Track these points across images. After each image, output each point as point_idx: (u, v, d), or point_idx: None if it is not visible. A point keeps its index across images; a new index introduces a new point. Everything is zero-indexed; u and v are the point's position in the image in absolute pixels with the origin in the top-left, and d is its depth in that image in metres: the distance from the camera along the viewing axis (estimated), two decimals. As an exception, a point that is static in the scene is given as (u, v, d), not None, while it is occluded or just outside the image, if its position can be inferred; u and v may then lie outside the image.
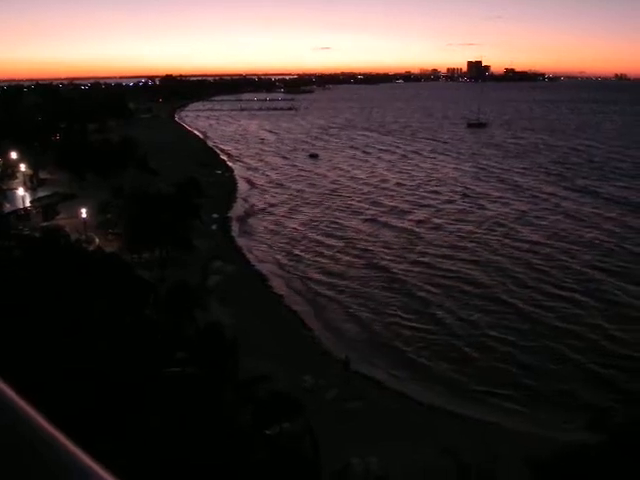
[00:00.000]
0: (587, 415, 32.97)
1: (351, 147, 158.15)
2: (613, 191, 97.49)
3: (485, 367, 42.01)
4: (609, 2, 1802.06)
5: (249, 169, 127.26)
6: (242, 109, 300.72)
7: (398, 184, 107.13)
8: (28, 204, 78.42)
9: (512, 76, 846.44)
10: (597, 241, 69.69)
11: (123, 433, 20.19)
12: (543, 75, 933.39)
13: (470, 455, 26.65)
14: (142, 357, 27.16)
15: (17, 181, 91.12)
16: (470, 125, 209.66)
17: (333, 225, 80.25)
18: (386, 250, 67.67)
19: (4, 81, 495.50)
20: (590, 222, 78.64)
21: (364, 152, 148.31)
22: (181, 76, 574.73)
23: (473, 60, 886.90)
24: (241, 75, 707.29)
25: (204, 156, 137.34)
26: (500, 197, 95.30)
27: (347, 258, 65.83)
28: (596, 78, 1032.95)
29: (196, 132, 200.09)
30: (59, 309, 27.55)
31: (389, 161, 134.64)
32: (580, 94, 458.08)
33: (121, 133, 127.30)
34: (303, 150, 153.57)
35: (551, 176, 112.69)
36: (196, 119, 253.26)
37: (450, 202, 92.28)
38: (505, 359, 43.20)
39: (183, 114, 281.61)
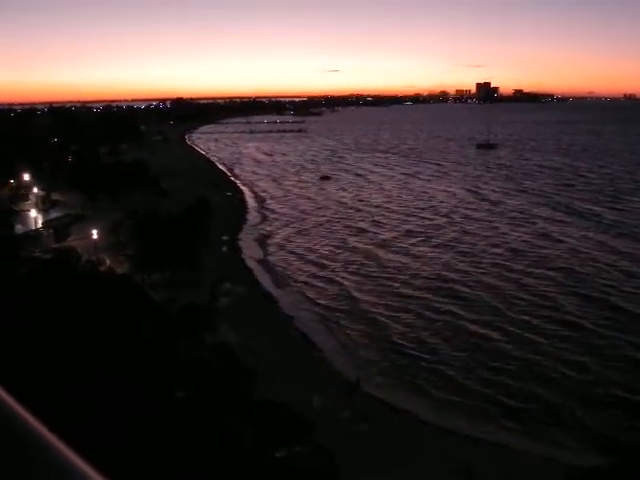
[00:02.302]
0: (599, 437, 32.66)
1: (359, 169, 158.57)
2: (611, 215, 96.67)
3: (496, 390, 41.61)
4: (617, 23, 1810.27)
5: (260, 191, 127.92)
6: (252, 132, 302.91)
7: (407, 206, 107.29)
8: (40, 225, 78.99)
9: (521, 97, 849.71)
10: (607, 270, 68.55)
11: (131, 452, 20.14)
12: (552, 96, 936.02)
13: (484, 478, 26.48)
14: (152, 380, 27.13)
15: (29, 203, 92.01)
16: (480, 146, 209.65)
17: (344, 247, 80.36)
18: (397, 273, 67.46)
19: (18, 104, 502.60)
20: (580, 244, 78.48)
21: (371, 174, 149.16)
22: (192, 99, 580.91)
23: (482, 81, 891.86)
24: (251, 98, 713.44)
25: (214, 178, 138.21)
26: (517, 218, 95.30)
27: (357, 279, 65.73)
28: (605, 98, 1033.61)
29: (206, 154, 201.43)
30: (70, 331, 27.63)
31: (396, 183, 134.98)
32: (589, 115, 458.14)
33: (132, 155, 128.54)
34: (314, 172, 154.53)
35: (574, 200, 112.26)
36: (206, 141, 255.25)
37: (468, 221, 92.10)
38: (515, 382, 42.81)
39: (194, 136, 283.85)
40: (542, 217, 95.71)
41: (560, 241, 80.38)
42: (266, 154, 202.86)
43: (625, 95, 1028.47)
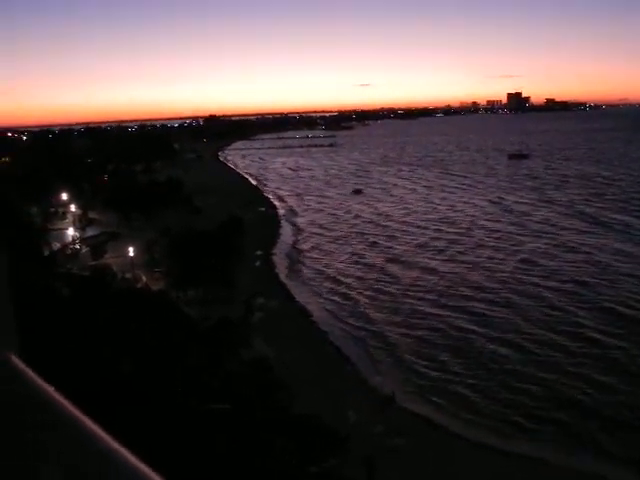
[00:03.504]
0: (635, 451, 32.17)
1: (390, 182, 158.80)
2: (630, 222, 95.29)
3: (530, 404, 41.19)
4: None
5: (292, 206, 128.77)
6: (284, 147, 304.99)
7: (437, 221, 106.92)
8: (77, 243, 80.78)
9: (553, 106, 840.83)
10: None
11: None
12: (584, 104, 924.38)
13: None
14: (188, 393, 27.57)
15: (67, 221, 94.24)
16: (511, 157, 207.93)
17: (382, 256, 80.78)
18: (424, 291, 66.84)
19: (56, 125, 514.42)
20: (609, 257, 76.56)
21: (403, 188, 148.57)
22: (224, 116, 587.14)
23: (513, 91, 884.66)
24: (283, 114, 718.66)
25: (248, 194, 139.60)
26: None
27: (390, 295, 65.56)
28: (638, 105, 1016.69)
29: (239, 170, 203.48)
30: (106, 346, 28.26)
31: (425, 196, 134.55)
32: (622, 122, 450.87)
33: (166, 173, 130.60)
34: (345, 185, 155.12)
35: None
36: (239, 158, 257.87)
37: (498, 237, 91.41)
38: (551, 395, 42.28)
39: (226, 153, 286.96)
40: (569, 228, 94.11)
41: (584, 252, 78.85)
42: (297, 169, 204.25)
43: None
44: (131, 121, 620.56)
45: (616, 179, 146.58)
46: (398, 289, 67.22)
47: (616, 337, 50.66)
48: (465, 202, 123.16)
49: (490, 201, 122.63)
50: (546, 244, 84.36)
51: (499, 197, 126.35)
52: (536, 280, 67.63)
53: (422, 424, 38.84)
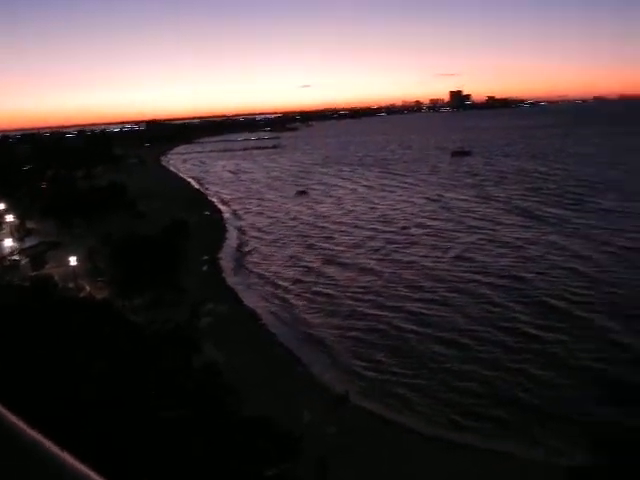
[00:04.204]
0: (589, 438, 32.64)
1: (332, 183, 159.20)
2: (574, 218, 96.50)
3: (483, 397, 41.57)
4: (586, 27, 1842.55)
5: (239, 208, 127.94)
6: (227, 150, 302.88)
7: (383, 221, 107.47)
8: (16, 254, 78.08)
9: (493, 103, 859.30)
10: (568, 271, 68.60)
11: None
12: (524, 101, 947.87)
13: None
14: (138, 402, 26.75)
15: (3, 232, 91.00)
16: (454, 154, 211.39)
17: (326, 259, 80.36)
18: (368, 290, 66.67)
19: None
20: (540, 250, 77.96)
21: (344, 188, 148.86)
22: (166, 120, 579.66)
23: (454, 90, 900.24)
24: (226, 116, 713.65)
25: (192, 197, 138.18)
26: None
27: (336, 293, 65.63)
28: (576, 101, 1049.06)
29: (183, 175, 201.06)
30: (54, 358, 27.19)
31: (366, 197, 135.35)
32: (560, 118, 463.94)
33: (108, 179, 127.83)
34: (286, 187, 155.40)
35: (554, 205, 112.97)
36: (182, 162, 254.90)
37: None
38: (504, 387, 42.82)
39: (169, 157, 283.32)
40: (506, 224, 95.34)
41: (519, 247, 79.95)
42: (239, 172, 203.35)
43: (595, 97, 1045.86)
44: (70, 127, 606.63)
45: (552, 174, 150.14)
46: (337, 290, 66.84)
47: (552, 331, 51.29)
48: (405, 200, 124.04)
49: (430, 199, 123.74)
50: (483, 240, 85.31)
51: (439, 195, 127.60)
52: (473, 276, 68.19)
53: (375, 422, 38.75)
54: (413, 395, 42.46)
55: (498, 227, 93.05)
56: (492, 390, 42.17)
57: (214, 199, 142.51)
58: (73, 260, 65.59)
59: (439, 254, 79.40)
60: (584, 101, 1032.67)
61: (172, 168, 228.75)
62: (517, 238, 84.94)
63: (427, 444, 35.85)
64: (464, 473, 31.52)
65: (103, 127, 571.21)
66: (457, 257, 77.31)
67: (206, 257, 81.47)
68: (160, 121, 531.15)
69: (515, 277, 66.76)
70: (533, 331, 51.50)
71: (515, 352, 47.76)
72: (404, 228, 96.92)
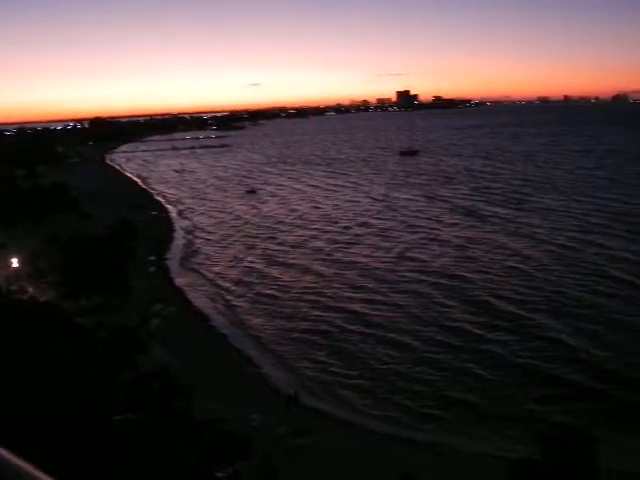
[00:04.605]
0: (533, 430, 33.41)
1: (277, 183, 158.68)
2: (516, 217, 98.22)
3: (427, 396, 42.16)
4: (532, 28, 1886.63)
5: (185, 208, 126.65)
6: (174, 149, 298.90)
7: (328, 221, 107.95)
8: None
9: (440, 103, 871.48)
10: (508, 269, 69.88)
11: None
12: (470, 101, 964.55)
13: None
14: (88, 407, 26.15)
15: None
16: (402, 153, 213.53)
17: (271, 260, 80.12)
18: (318, 289, 66.92)
19: None
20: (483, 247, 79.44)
21: (290, 188, 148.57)
22: (111, 118, 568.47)
23: (402, 90, 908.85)
24: (172, 114, 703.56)
25: (138, 197, 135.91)
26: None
27: (280, 294, 65.51)
28: (520, 102, 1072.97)
29: (129, 174, 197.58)
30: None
31: (314, 196, 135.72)
32: (505, 119, 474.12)
33: (51, 178, 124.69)
34: (230, 187, 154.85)
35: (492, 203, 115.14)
36: (128, 161, 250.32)
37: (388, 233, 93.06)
38: (450, 379, 43.69)
39: (114, 156, 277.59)
40: (449, 223, 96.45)
41: (461, 246, 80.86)
42: (185, 171, 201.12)
43: (539, 98, 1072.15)
44: (8, 124, 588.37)
45: (496, 173, 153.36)
46: (281, 291, 66.65)
47: (493, 330, 52.03)
48: (350, 200, 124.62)
49: (375, 198, 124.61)
50: (427, 239, 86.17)
51: (385, 194, 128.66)
52: (416, 276, 68.67)
53: (326, 420, 38.95)
54: (360, 395, 42.76)
55: (442, 226, 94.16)
56: (436, 389, 42.71)
57: (160, 199, 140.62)
58: (15, 262, 63.79)
59: (382, 254, 79.84)
60: (528, 102, 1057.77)
61: (117, 167, 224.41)
62: (460, 237, 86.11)
63: (377, 441, 36.21)
64: (415, 468, 31.78)
65: (44, 125, 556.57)
66: (400, 257, 77.80)
67: (154, 257, 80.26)
68: (105, 119, 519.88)
69: (458, 276, 67.58)
70: (475, 330, 52.20)
71: (458, 351, 48.31)
72: (347, 228, 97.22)
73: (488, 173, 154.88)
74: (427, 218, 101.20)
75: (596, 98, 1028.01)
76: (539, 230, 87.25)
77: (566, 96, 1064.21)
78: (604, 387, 40.93)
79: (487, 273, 68.18)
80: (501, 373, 44.22)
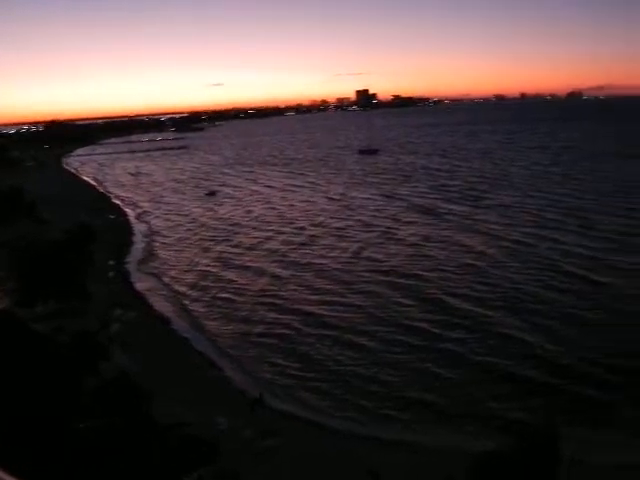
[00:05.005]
0: (494, 426, 34.28)
1: (235, 184, 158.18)
2: (473, 214, 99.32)
3: (389, 393, 42.55)
4: (488, 26, 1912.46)
5: (144, 211, 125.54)
6: (132, 151, 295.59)
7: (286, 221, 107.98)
8: None
9: (399, 102, 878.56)
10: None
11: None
12: (428, 100, 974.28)
13: (394, 476, 27.09)
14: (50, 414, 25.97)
15: None
16: (362, 152, 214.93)
17: (227, 262, 79.85)
18: (274, 291, 66.73)
19: None
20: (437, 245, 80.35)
21: (248, 189, 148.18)
22: (67, 121, 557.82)
23: (361, 89, 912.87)
24: (130, 117, 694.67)
25: (96, 201, 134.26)
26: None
27: (247, 296, 65.46)
28: (478, 100, 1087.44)
29: (85, 177, 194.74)
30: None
31: (270, 196, 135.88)
32: (462, 117, 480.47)
33: (5, 183, 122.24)
34: (192, 188, 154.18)
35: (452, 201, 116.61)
36: (85, 164, 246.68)
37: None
38: (410, 378, 44.10)
39: (71, 160, 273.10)
40: (406, 221, 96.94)
41: (418, 245, 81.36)
42: (143, 174, 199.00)
43: (496, 95, 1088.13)
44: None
45: (454, 171, 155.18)
46: (238, 294, 66.25)
47: (451, 328, 52.39)
48: (307, 200, 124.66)
49: (332, 198, 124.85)
50: (384, 238, 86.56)
51: (342, 193, 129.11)
52: (373, 275, 68.86)
53: (291, 422, 39.06)
54: (320, 396, 42.89)
55: (399, 225, 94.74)
56: (395, 389, 43.00)
57: (118, 202, 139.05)
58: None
59: (339, 254, 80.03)
60: (486, 99, 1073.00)
61: (74, 171, 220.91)
62: (417, 235, 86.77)
63: (342, 441, 36.48)
64: (380, 464, 32.21)
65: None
66: (357, 256, 78.07)
67: (113, 262, 79.44)
68: (61, 122, 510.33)
69: (414, 275, 68.02)
70: (433, 329, 52.58)
71: (416, 351, 48.62)
72: (304, 228, 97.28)
73: (445, 171, 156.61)
74: (384, 217, 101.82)
75: (551, 95, 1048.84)
76: (495, 226, 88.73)
77: (522, 93, 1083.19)
78: (560, 382, 41.70)
79: (444, 271, 68.92)
80: (459, 371, 44.67)
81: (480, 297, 59.51)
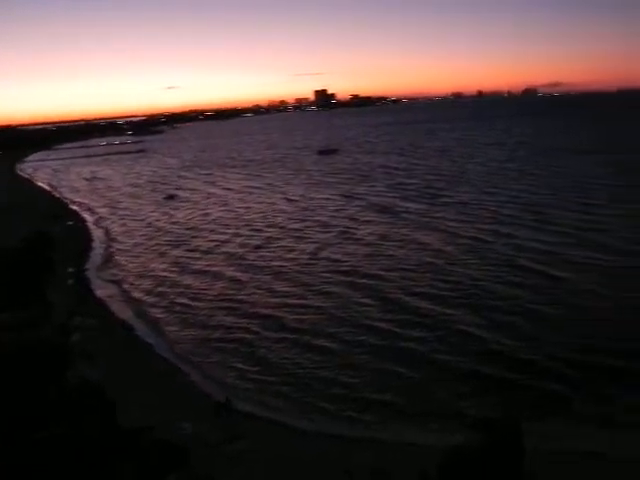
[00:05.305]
0: (461, 419, 34.83)
1: (193, 187, 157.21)
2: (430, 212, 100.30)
3: (354, 390, 42.86)
4: (444, 25, 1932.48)
5: (101, 217, 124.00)
6: (88, 156, 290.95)
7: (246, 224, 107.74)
8: None
9: (357, 102, 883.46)
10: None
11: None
12: (386, 98, 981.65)
13: (367, 474, 27.34)
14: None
15: None
16: (321, 152, 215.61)
17: (184, 267, 79.34)
18: (231, 295, 66.42)
19: None
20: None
21: (205, 192, 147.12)
22: (21, 126, 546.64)
23: (319, 89, 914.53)
24: (86, 121, 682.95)
25: (53, 208, 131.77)
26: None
27: (205, 300, 65.08)
28: (436, 98, 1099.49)
29: (41, 184, 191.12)
30: None
31: (227, 198, 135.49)
32: (421, 115, 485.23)
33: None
34: (153, 192, 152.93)
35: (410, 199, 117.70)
36: (39, 170, 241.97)
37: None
38: (372, 378, 44.35)
39: (25, 166, 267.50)
40: (364, 221, 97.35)
41: (376, 244, 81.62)
42: (100, 179, 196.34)
43: (453, 93, 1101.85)
44: None
45: (412, 169, 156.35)
46: (196, 299, 65.72)
47: (410, 327, 52.57)
48: (265, 202, 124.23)
49: (290, 199, 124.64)
50: (342, 238, 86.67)
51: (301, 194, 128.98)
52: (331, 276, 68.77)
53: (256, 424, 39.02)
54: (282, 399, 42.92)
55: (357, 225, 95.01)
56: (357, 390, 43.10)
57: (76, 208, 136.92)
58: None
59: (297, 255, 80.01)
60: (444, 97, 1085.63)
61: (28, 177, 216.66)
62: (375, 235, 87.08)
63: (311, 441, 36.65)
64: (351, 463, 32.47)
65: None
66: (315, 257, 78.05)
67: (72, 269, 78.31)
68: (14, 127, 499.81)
69: (372, 274, 68.13)
70: (392, 328, 52.69)
71: (376, 351, 48.80)
72: (261, 230, 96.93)
73: (403, 169, 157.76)
74: (343, 217, 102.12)
75: (508, 92, 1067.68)
76: (453, 224, 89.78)
77: (479, 91, 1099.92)
78: (519, 377, 42.36)
79: (403, 269, 69.35)
80: (420, 370, 44.93)
81: (439, 295, 60.00)
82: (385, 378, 44.37)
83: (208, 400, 42.67)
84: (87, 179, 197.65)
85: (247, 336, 54.29)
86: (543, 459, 28.52)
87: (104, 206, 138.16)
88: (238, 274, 73.82)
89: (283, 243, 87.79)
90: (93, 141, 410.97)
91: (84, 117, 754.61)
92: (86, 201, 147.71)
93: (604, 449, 33.22)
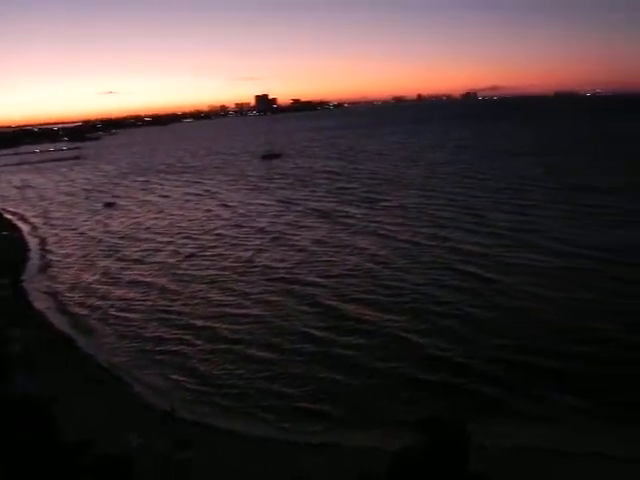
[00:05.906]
0: (405, 423, 34.35)
1: (130, 195, 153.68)
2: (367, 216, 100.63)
3: (292, 400, 42.50)
4: (385, 29, 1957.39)
5: (34, 227, 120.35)
6: (20, 163, 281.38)
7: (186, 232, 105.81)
8: None
9: (298, 106, 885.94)
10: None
11: None
12: (328, 103, 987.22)
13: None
14: None
15: None
16: (265, 157, 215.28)
17: (116, 278, 77.37)
18: (170, 301, 65.72)
19: None
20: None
21: (142, 200, 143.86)
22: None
23: (260, 94, 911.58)
24: (17, 126, 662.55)
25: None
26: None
27: (138, 312, 63.58)
28: (377, 102, 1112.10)
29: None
30: None
31: (164, 206, 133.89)
32: (362, 119, 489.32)
33: None
34: (87, 200, 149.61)
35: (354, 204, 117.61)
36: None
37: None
38: (310, 387, 43.97)
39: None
40: (305, 226, 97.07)
41: (315, 251, 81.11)
42: (31, 187, 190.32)
43: (395, 97, 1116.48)
44: None
45: (352, 174, 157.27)
46: (129, 311, 64.22)
47: (346, 334, 52.34)
48: (202, 209, 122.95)
49: (228, 205, 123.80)
50: (277, 245, 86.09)
51: (239, 201, 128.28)
52: (266, 284, 68.25)
53: (208, 432, 38.54)
54: (222, 410, 42.33)
55: (295, 230, 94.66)
56: (296, 400, 42.69)
57: (10, 217, 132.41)
58: None
59: (231, 263, 78.92)
60: (385, 101, 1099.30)
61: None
62: (313, 240, 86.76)
63: (259, 447, 36.40)
64: (300, 468, 31.62)
65: None
66: (251, 265, 77.07)
67: (8, 280, 75.67)
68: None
69: (309, 281, 67.68)
70: (331, 336, 52.27)
71: (313, 359, 48.36)
72: (196, 238, 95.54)
73: (343, 174, 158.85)
74: (280, 223, 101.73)
75: (448, 96, 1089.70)
76: (392, 227, 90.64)
77: (420, 95, 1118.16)
78: (459, 381, 42.85)
79: (340, 275, 69.41)
80: (360, 377, 44.82)
81: (377, 300, 60.06)
82: (323, 386, 44.10)
83: (152, 410, 42.00)
84: (18, 187, 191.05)
85: (184, 347, 53.33)
86: (489, 457, 28.89)
87: (36, 215, 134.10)
88: (171, 284, 72.47)
89: (219, 250, 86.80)
90: (25, 148, 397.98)
91: (15, 123, 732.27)
92: (19, 211, 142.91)
93: (546, 444, 34.28)
